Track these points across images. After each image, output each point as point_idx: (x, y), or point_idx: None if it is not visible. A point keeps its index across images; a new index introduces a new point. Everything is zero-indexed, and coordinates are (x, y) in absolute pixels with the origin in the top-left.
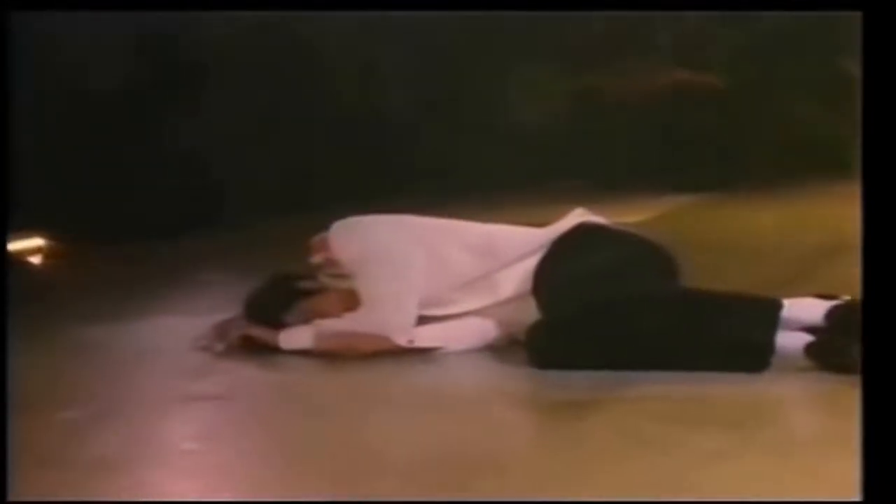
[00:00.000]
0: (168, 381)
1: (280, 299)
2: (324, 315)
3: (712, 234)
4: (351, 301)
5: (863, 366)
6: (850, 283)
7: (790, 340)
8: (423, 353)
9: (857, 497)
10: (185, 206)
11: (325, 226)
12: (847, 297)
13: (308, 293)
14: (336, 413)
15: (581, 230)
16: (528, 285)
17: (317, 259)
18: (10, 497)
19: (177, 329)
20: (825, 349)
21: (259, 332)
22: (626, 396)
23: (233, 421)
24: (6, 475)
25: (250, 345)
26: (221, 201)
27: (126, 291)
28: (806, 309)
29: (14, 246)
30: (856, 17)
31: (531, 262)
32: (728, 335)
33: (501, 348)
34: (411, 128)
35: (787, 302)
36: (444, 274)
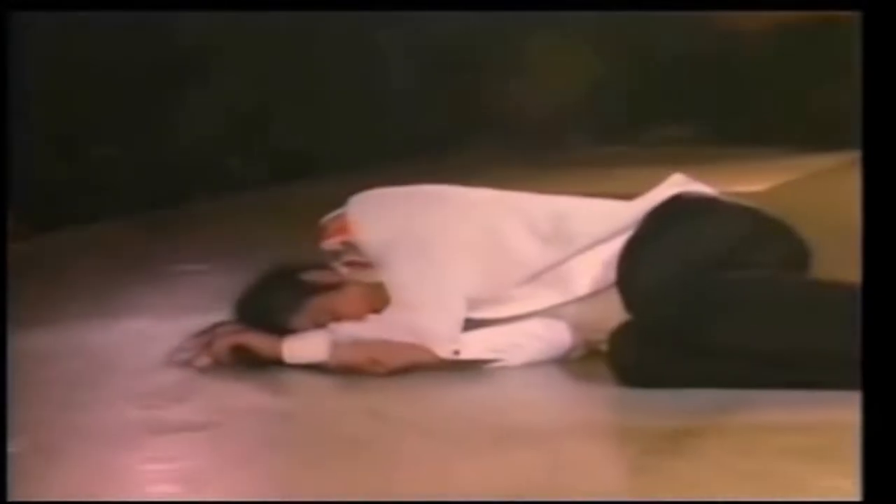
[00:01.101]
0: (135, 405)
1: (284, 297)
2: (341, 317)
3: (853, 206)
4: (377, 299)
5: (863, 365)
6: None
7: None
8: (474, 368)
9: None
10: (156, 178)
11: (336, 198)
12: None
13: (321, 289)
14: (358, 448)
15: (681, 203)
16: (612, 276)
17: (332, 243)
18: (11, 497)
19: (146, 336)
20: None
21: (256, 341)
22: (741, 423)
23: (220, 458)
24: (6, 475)
25: (244, 357)
26: (203, 169)
27: (79, 287)
28: None
29: None
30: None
31: (615, 247)
32: None
33: (577, 360)
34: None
35: None
36: (501, 262)
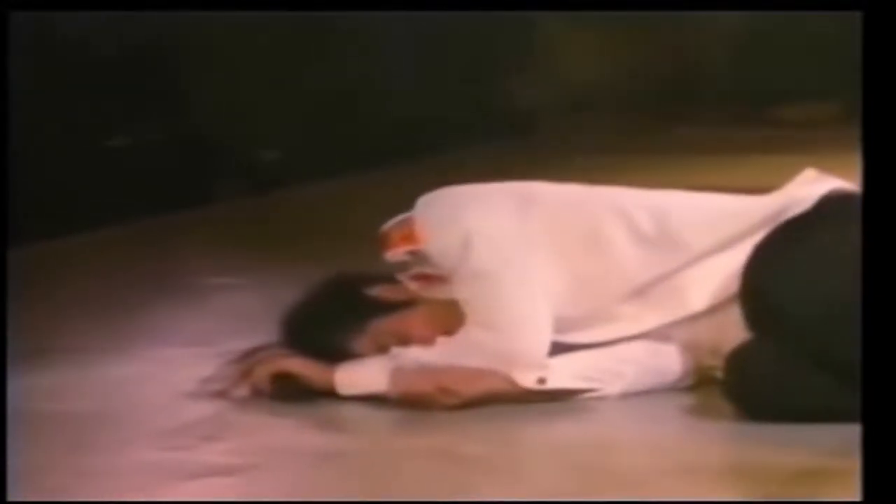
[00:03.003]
0: (159, 446)
1: (342, 316)
2: (407, 340)
3: None
4: (451, 319)
5: (863, 365)
6: None
7: None
8: (563, 399)
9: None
10: (181, 172)
11: (399, 196)
12: None
13: (382, 307)
14: (425, 495)
15: (829, 205)
16: (732, 289)
17: (396, 254)
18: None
19: (172, 365)
20: None
21: (304, 368)
22: None
23: None
24: (6, 475)
25: (289, 387)
26: (242, 160)
27: (90, 308)
28: None
29: None
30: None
31: (736, 254)
32: None
33: (688, 390)
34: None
35: None
36: (600, 273)
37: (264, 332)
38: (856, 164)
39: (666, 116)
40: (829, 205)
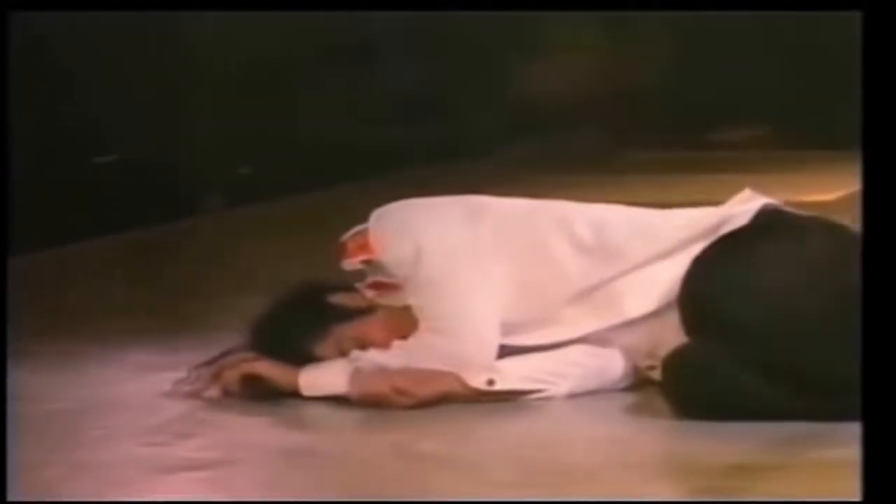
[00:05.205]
0: (135, 443)
1: (306, 322)
2: (365, 344)
3: None
4: (404, 324)
5: (863, 365)
6: None
7: None
8: (511, 399)
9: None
10: (162, 188)
11: (355, 209)
12: None
13: (343, 313)
14: (383, 488)
15: (762, 218)
16: (668, 297)
17: (352, 263)
18: (10, 497)
19: (148, 367)
20: None
21: (270, 371)
22: (820, 459)
23: (231, 499)
24: (6, 475)
25: (257, 389)
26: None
27: (71, 313)
28: None
29: None
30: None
31: (673, 265)
32: None
33: (628, 390)
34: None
35: None
36: (544, 280)
37: (235, 336)
38: (787, 182)
39: (616, 139)
40: (762, 219)
